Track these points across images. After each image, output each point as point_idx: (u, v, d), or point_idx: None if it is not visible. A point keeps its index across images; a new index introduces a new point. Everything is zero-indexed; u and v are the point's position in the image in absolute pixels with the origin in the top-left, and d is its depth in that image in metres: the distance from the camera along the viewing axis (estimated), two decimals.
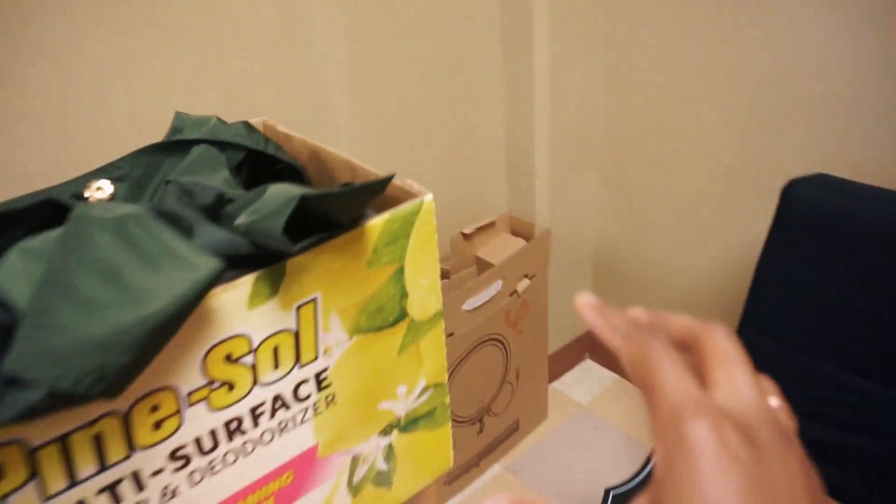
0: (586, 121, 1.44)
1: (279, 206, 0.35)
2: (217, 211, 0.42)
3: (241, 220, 0.38)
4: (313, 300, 0.43)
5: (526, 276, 1.34)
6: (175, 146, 0.50)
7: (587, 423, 1.62)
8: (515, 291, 1.32)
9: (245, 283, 0.39)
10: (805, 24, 1.06)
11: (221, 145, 0.50)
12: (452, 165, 1.36)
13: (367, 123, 1.17)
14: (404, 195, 0.49)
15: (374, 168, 0.52)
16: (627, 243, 1.54)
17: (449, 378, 1.27)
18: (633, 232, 1.52)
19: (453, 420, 1.33)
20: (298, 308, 0.42)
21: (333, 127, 1.13)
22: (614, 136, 1.46)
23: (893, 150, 1.04)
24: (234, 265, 0.38)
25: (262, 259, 0.39)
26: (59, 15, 0.79)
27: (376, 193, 0.41)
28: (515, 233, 1.45)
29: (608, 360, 1.75)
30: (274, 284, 0.40)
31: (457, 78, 1.28)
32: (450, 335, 1.20)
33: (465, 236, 1.36)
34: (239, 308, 0.39)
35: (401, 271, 0.48)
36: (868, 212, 0.91)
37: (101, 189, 0.48)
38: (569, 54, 1.32)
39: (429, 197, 0.47)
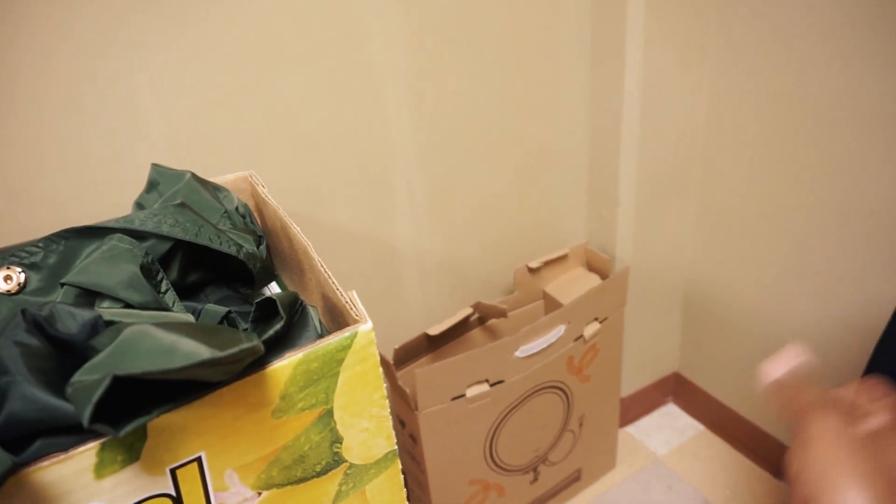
0: (682, 144, 1.25)
1: (90, 384, 0.26)
2: (86, 341, 0.34)
3: (76, 376, 0.29)
4: (196, 460, 0.34)
5: (596, 319, 1.19)
6: (93, 232, 0.42)
7: (661, 479, 1.45)
8: (582, 336, 1.18)
9: (87, 453, 0.31)
10: None
11: (140, 234, 0.42)
12: (527, 188, 1.23)
13: (429, 140, 1.07)
14: (346, 314, 0.39)
15: (328, 268, 0.42)
16: (723, 286, 1.34)
17: (498, 427, 1.16)
18: (730, 274, 1.31)
19: (503, 469, 1.23)
20: (174, 470, 0.34)
21: (390, 146, 1.04)
22: (715, 163, 1.26)
23: None
24: (67, 431, 0.30)
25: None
26: (89, 33, 0.76)
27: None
28: (591, 267, 1.30)
29: (695, 406, 1.56)
30: (131, 449, 0.32)
31: (534, 91, 1.14)
32: (499, 382, 1.09)
33: (532, 270, 1.23)
34: (83, 480, 0.31)
35: (328, 414, 0.38)
36: None
37: (10, 277, 0.42)
38: (665, 67, 1.14)
39: (365, 326, 0.37)
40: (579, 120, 1.23)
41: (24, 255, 0.43)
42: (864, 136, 0.98)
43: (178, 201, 0.45)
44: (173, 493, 0.34)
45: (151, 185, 0.55)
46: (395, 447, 0.42)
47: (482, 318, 1.23)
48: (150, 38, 0.79)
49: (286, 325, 0.37)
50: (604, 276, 1.25)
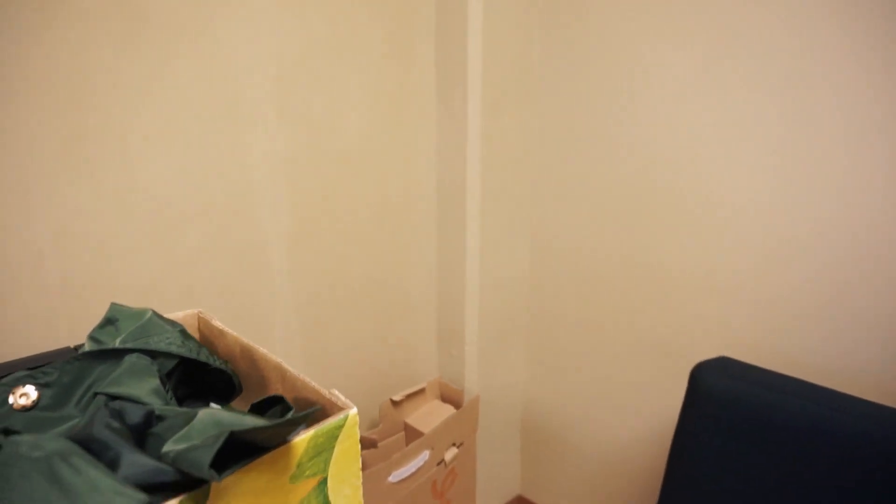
0: (512, 293, 1.53)
1: (208, 439, 0.37)
2: (145, 430, 0.43)
3: (168, 447, 0.39)
4: None
5: (454, 444, 1.34)
6: (106, 354, 0.51)
7: None
8: (443, 461, 1.31)
9: None
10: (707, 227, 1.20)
11: (153, 354, 0.52)
12: (386, 333, 1.40)
13: (306, 298, 1.21)
14: (331, 406, 0.52)
15: (304, 375, 0.55)
16: (552, 409, 1.58)
17: None
18: (556, 398, 1.56)
19: None
20: None
21: (272, 296, 1.16)
22: (538, 308, 1.55)
23: (787, 335, 1.15)
24: (159, 490, 0.39)
25: (186, 483, 0.40)
26: None
27: (303, 424, 0.43)
28: (445, 399, 1.47)
29: None
30: None
31: (391, 251, 1.36)
32: None
33: (395, 403, 1.36)
34: None
35: (324, 482, 0.49)
36: (766, 401, 0.98)
37: (26, 395, 0.49)
38: (497, 233, 1.44)
39: (353, 410, 0.50)
40: (429, 273, 1.46)
41: (39, 375, 0.50)
42: (656, 286, 1.32)
43: (180, 328, 0.56)
44: None
45: (108, 321, 0.64)
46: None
47: None
48: (53, 192, 0.87)
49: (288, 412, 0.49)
50: (457, 406, 1.42)
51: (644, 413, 1.39)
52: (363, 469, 1.33)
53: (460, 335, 1.46)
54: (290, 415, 0.47)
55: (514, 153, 1.44)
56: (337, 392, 0.52)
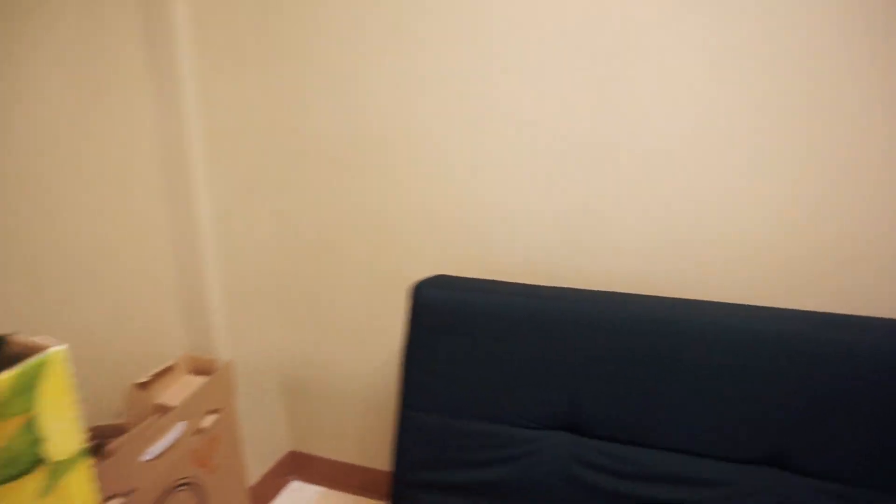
0: (257, 257, 1.58)
1: None
2: None
3: None
4: None
5: (210, 411, 1.36)
6: None
7: None
8: (200, 429, 1.33)
9: None
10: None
11: None
12: (126, 315, 1.35)
13: (18, 282, 1.12)
14: (34, 348, 0.54)
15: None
16: (309, 361, 1.68)
17: None
18: (312, 349, 1.66)
19: None
20: None
21: None
22: (284, 267, 1.62)
23: (496, 247, 1.38)
24: None
25: None
26: None
27: None
28: (197, 372, 1.47)
29: (314, 474, 1.81)
30: None
31: (120, 231, 1.31)
32: (131, 492, 1.15)
33: (142, 385, 1.33)
34: None
35: (34, 419, 0.52)
36: (477, 303, 1.19)
37: None
38: (231, 198, 1.46)
39: (57, 347, 0.53)
40: (165, 252, 1.43)
41: None
42: (380, 232, 1.46)
43: None
44: None
45: None
46: (85, 445, 0.56)
47: (98, 445, 1.27)
48: None
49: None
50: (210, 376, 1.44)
51: (385, 340, 1.55)
52: (109, 457, 1.29)
53: (205, 305, 1.47)
54: None
55: (241, 117, 1.47)
56: (44, 336, 0.54)
